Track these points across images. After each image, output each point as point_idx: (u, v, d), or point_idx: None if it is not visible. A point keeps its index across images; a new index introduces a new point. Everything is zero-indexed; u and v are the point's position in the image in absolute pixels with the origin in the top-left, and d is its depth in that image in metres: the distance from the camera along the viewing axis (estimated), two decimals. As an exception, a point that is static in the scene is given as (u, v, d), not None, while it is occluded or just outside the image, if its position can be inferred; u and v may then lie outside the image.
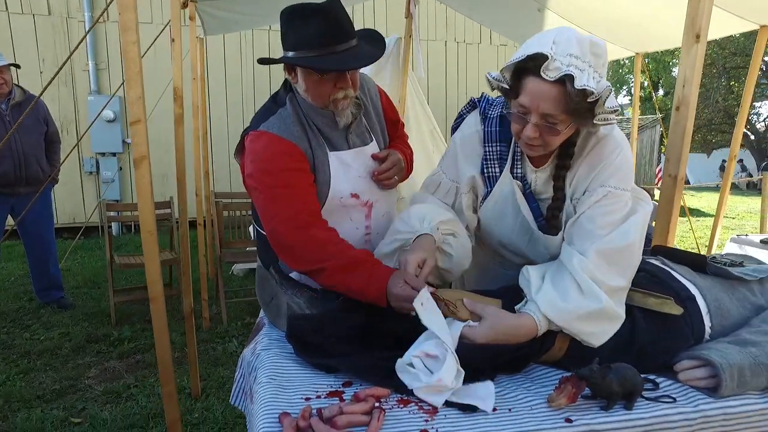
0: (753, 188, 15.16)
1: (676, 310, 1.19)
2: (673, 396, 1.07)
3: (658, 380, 1.13)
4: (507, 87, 1.16)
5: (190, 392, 2.60)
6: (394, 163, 1.50)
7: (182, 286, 2.47)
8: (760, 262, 1.49)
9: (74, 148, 3.27)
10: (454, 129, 1.40)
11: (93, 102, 6.41)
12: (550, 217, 1.26)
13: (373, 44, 1.37)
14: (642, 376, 1.08)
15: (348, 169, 1.42)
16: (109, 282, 3.63)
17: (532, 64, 1.07)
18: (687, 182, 16.45)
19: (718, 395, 1.06)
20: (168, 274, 4.13)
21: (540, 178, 1.28)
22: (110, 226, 5.96)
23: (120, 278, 4.39)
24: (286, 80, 1.43)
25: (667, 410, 1.02)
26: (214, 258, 4.20)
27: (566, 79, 1.04)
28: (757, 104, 19.27)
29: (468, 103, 1.37)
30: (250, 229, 3.94)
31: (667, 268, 1.35)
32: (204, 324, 3.52)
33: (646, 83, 17.79)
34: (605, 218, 1.17)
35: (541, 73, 1.05)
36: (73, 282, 4.58)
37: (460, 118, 1.39)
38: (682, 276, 1.32)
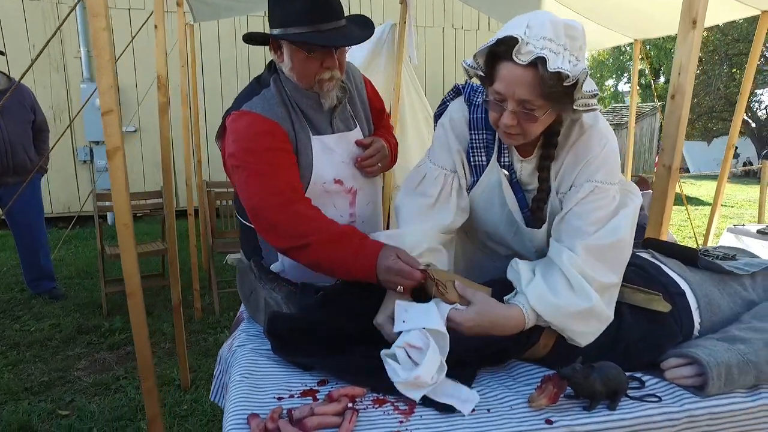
0: (753, 177, 15.08)
1: (664, 307, 1.16)
2: (659, 395, 1.04)
3: (645, 378, 1.10)
4: (482, 74, 1.11)
5: (180, 384, 2.59)
6: (378, 149, 1.47)
7: (170, 277, 2.44)
8: (753, 256, 1.46)
9: (62, 135, 3.21)
10: (437, 117, 1.35)
11: (86, 89, 6.32)
12: (535, 208, 1.22)
13: (361, 28, 1.35)
14: (628, 374, 1.05)
15: (331, 154, 1.40)
16: (100, 272, 3.60)
17: (505, 48, 1.02)
18: (687, 171, 16.38)
19: (704, 394, 1.03)
20: (161, 265, 4.11)
21: (526, 168, 1.24)
22: (104, 216, 5.91)
23: (113, 269, 4.35)
24: (270, 62, 1.42)
25: (651, 410, 0.98)
26: (207, 248, 4.17)
27: (539, 62, 0.99)
28: (758, 91, 19.05)
29: (452, 89, 1.32)
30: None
31: (657, 262, 1.32)
32: (196, 315, 3.50)
33: (647, 70, 17.62)
34: (593, 215, 1.13)
35: (514, 57, 1.00)
36: (66, 272, 4.56)
37: (444, 105, 1.34)
38: (672, 270, 1.28)
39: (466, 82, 1.29)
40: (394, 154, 1.57)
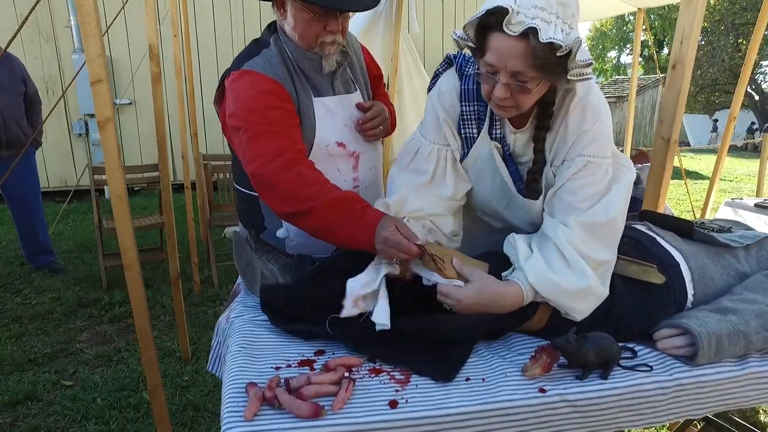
0: (754, 150, 14.98)
1: (658, 278, 1.17)
2: (651, 365, 1.05)
3: (637, 349, 1.12)
4: (473, 45, 1.08)
5: (180, 356, 2.63)
6: (379, 112, 1.48)
7: (168, 250, 2.45)
8: (748, 228, 1.46)
9: (54, 107, 3.14)
10: (430, 89, 1.32)
11: (77, 60, 6.19)
12: (531, 180, 1.21)
13: None
14: (621, 344, 1.07)
15: (333, 116, 1.39)
16: (98, 246, 3.61)
17: (495, 19, 0.99)
18: (687, 144, 16.26)
19: (694, 363, 1.04)
20: (159, 239, 4.11)
21: (519, 140, 1.22)
22: (101, 190, 5.90)
23: (111, 242, 4.36)
24: (269, 24, 1.40)
25: (642, 379, 1.00)
26: (205, 221, 4.17)
27: (530, 33, 0.96)
28: (764, 63, 18.73)
29: (444, 60, 1.29)
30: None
31: (653, 234, 1.32)
32: (195, 288, 3.53)
33: (650, 42, 17.26)
34: (586, 190, 1.12)
35: (504, 28, 0.97)
36: (65, 246, 4.57)
37: (436, 77, 1.31)
38: (667, 242, 1.29)
39: (458, 52, 1.26)
40: (393, 119, 1.58)
